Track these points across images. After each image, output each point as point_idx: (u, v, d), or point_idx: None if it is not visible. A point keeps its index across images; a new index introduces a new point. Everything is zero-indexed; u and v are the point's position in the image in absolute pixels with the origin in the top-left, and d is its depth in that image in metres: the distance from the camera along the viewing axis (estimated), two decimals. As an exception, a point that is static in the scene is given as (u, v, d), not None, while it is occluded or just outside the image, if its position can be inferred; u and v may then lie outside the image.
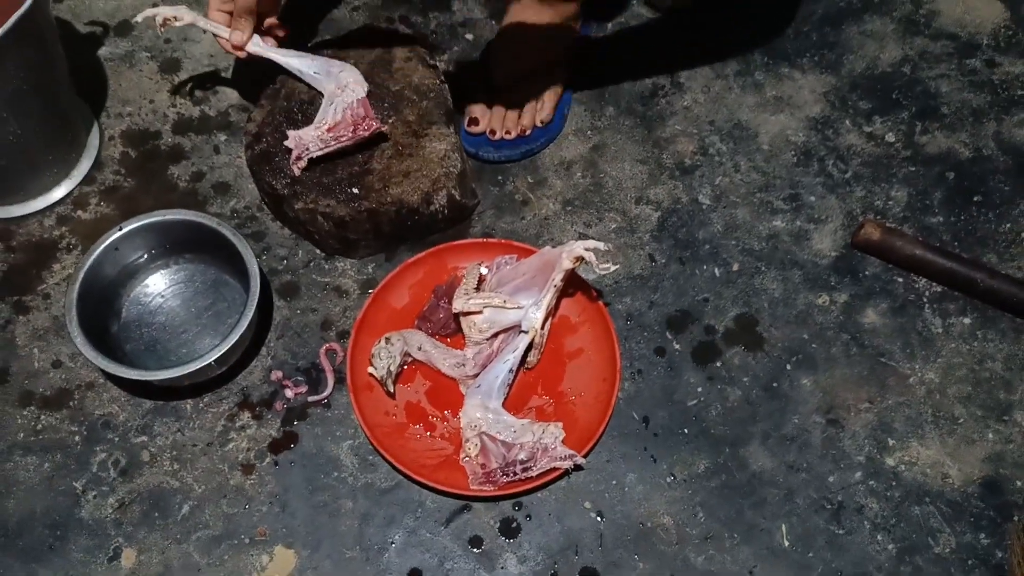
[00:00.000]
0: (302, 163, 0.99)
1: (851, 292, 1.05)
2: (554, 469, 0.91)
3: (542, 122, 1.13)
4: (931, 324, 1.03)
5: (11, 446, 0.97)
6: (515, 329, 0.97)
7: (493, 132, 1.12)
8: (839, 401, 0.99)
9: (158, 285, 1.03)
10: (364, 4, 1.27)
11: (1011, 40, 1.23)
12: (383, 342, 0.96)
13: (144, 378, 0.91)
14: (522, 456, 0.91)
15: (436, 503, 0.94)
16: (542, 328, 0.96)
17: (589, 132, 1.16)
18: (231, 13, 1.01)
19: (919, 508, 0.93)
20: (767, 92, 1.19)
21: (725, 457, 0.96)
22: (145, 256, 1.02)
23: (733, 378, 1.00)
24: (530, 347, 0.97)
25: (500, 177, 1.13)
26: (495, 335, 0.97)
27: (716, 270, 1.07)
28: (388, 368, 0.95)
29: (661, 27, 1.25)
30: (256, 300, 0.93)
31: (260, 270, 0.96)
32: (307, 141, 0.99)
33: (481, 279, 1.00)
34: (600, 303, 0.99)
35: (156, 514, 0.93)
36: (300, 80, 1.05)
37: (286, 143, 1.00)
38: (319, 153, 0.99)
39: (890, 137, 1.16)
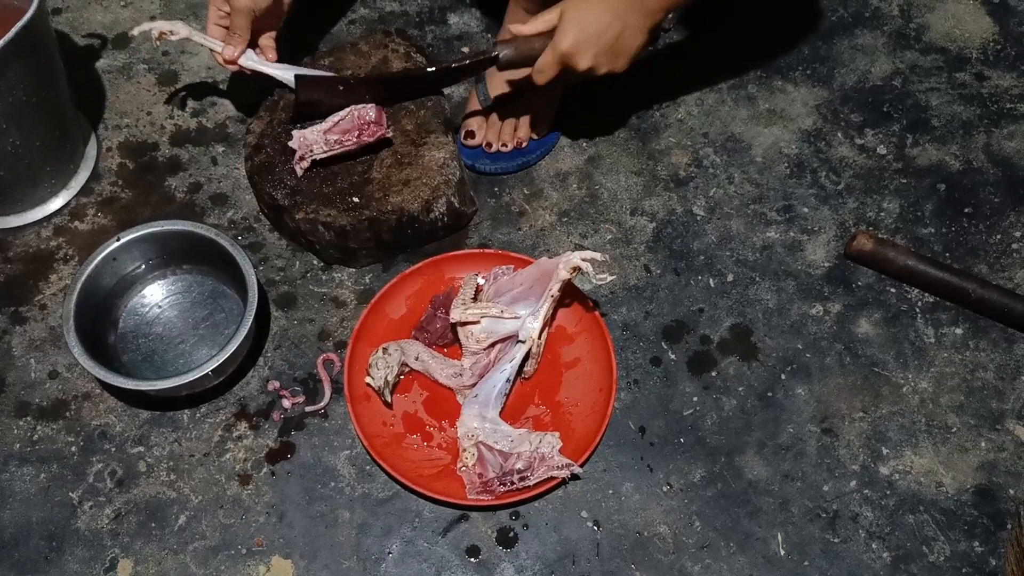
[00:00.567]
0: (305, 163, 1.00)
1: (844, 302, 1.06)
2: (551, 478, 0.91)
3: (538, 135, 1.14)
4: (924, 334, 1.04)
5: (7, 457, 0.97)
6: (512, 339, 0.97)
7: (489, 145, 1.13)
8: (833, 410, 1.00)
9: (155, 296, 1.04)
10: (361, 18, 1.28)
11: (1000, 54, 1.25)
12: (380, 352, 0.97)
13: (141, 388, 0.91)
14: (519, 465, 0.91)
15: (433, 513, 0.94)
16: (539, 338, 0.97)
17: (584, 144, 1.18)
18: (228, 27, 1.02)
19: (913, 516, 0.94)
20: (760, 105, 1.21)
21: (721, 466, 0.97)
22: (143, 266, 1.02)
23: (728, 388, 1.01)
24: (527, 357, 0.97)
25: (496, 189, 1.14)
26: (492, 345, 0.98)
27: (711, 281, 1.08)
28: (385, 378, 0.95)
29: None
30: (254, 310, 0.93)
31: (258, 281, 0.96)
32: (311, 141, 1.00)
33: (478, 289, 1.01)
34: (596, 313, 1.00)
35: (153, 525, 0.93)
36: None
37: (290, 143, 1.00)
38: (323, 155, 0.99)
39: (881, 149, 1.17)
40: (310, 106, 1.03)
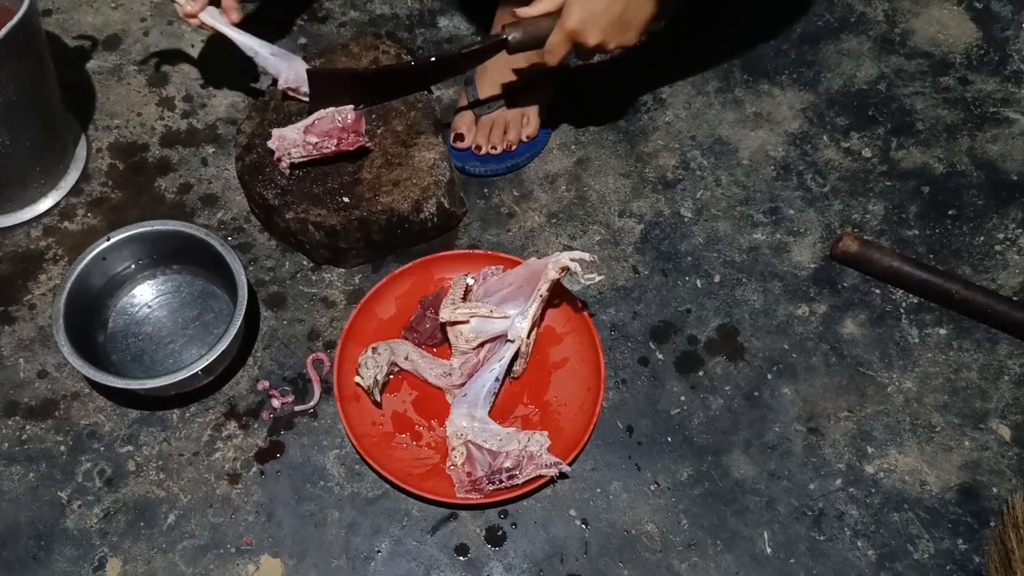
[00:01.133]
0: (283, 164, 1.00)
1: (830, 303, 1.07)
2: (540, 477, 0.92)
3: (527, 137, 1.15)
4: (908, 334, 1.05)
5: (-5, 456, 0.97)
6: (501, 338, 0.98)
7: (479, 147, 1.14)
8: (819, 410, 1.01)
9: (145, 295, 1.04)
10: (351, 20, 1.29)
11: (983, 59, 1.26)
12: (370, 352, 0.97)
13: (130, 387, 0.91)
14: (508, 464, 0.92)
15: (422, 512, 0.95)
16: (528, 337, 0.97)
17: (573, 147, 1.18)
18: None
19: (898, 515, 0.95)
20: (747, 108, 1.22)
21: (708, 465, 0.97)
22: (132, 266, 1.02)
23: (715, 387, 1.02)
24: (516, 356, 0.98)
25: (486, 190, 1.15)
26: (481, 344, 0.98)
27: (698, 281, 1.09)
28: (375, 378, 0.95)
29: (643, 45, 1.27)
30: (244, 309, 0.94)
31: (247, 280, 0.96)
32: (289, 143, 1.00)
33: (468, 289, 1.02)
34: (585, 314, 1.01)
35: (142, 524, 0.93)
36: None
37: (269, 142, 1.01)
38: (300, 159, 1.00)
39: (867, 152, 1.18)
40: (324, 99, 1.04)
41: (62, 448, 0.97)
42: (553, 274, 0.94)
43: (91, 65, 1.24)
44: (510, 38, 0.97)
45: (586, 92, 1.22)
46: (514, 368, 0.99)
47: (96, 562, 0.91)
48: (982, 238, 1.12)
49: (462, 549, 0.93)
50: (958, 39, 1.28)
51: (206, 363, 0.92)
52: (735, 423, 1.00)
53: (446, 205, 1.05)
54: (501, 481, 0.91)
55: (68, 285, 0.96)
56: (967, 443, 0.99)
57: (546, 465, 0.91)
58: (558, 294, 1.02)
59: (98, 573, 0.91)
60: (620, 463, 0.97)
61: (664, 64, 1.25)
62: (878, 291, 1.08)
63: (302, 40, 1.27)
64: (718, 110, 1.22)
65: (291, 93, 1.06)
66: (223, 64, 1.23)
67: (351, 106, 1.03)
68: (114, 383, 0.91)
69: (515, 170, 1.16)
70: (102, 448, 0.97)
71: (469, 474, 0.92)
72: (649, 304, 1.07)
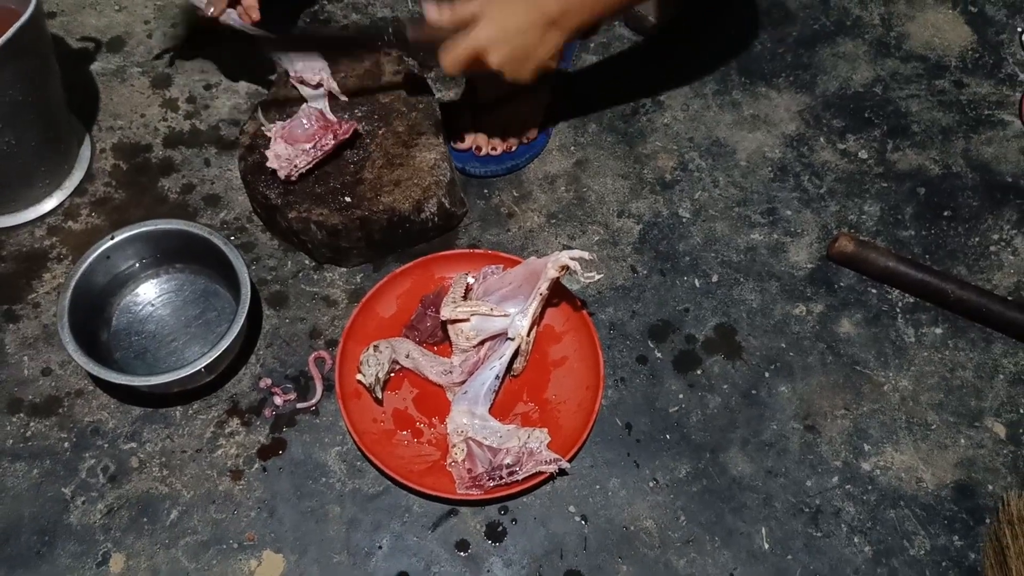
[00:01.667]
0: (293, 177, 1.01)
1: (827, 303, 1.08)
2: (539, 473, 0.93)
3: (527, 138, 1.16)
4: (904, 334, 1.06)
5: (0, 452, 0.97)
6: (501, 337, 0.99)
7: (479, 148, 1.15)
8: (816, 408, 1.02)
9: (148, 294, 1.05)
10: (353, 24, 1.30)
11: (978, 62, 1.28)
12: (371, 350, 0.98)
13: (134, 384, 0.92)
14: (508, 460, 0.92)
15: (423, 508, 0.95)
16: (528, 335, 0.98)
17: (572, 148, 1.20)
18: None
19: (894, 511, 0.96)
20: (744, 110, 1.23)
21: (706, 462, 0.98)
22: (136, 265, 1.03)
23: (713, 386, 1.03)
24: (516, 354, 0.99)
25: (486, 191, 1.16)
26: (482, 343, 0.99)
27: (696, 281, 1.10)
28: (376, 375, 0.96)
29: (642, 48, 1.29)
30: (247, 306, 0.95)
31: (250, 279, 0.97)
32: (284, 158, 1.01)
33: (468, 288, 1.03)
34: (584, 313, 1.02)
35: (145, 520, 0.94)
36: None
37: (268, 164, 1.02)
38: (307, 167, 1.01)
39: (863, 154, 1.20)
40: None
41: (66, 445, 0.98)
42: (553, 272, 0.95)
43: (95, 67, 1.25)
44: (409, 36, 0.97)
45: (585, 94, 1.23)
46: (514, 366, 1.00)
47: (99, 557, 0.92)
48: (977, 239, 1.13)
49: (462, 545, 0.94)
50: (953, 43, 1.30)
51: (209, 360, 0.93)
52: (733, 421, 1.01)
53: (447, 205, 1.06)
54: (501, 477, 0.92)
55: (72, 283, 0.96)
56: (962, 441, 1.00)
57: (546, 462, 0.92)
58: (557, 293, 1.03)
59: (101, 568, 0.92)
60: (619, 460, 0.98)
61: (662, 67, 1.27)
62: (874, 291, 1.09)
63: (304, 42, 1.28)
64: (716, 112, 1.23)
65: (298, 84, 1.08)
66: (226, 66, 1.25)
67: (316, 107, 1.06)
68: (118, 379, 0.92)
69: (515, 171, 1.17)
70: (105, 445, 0.98)
71: (469, 470, 0.93)
72: (647, 303, 1.08)
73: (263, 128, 1.05)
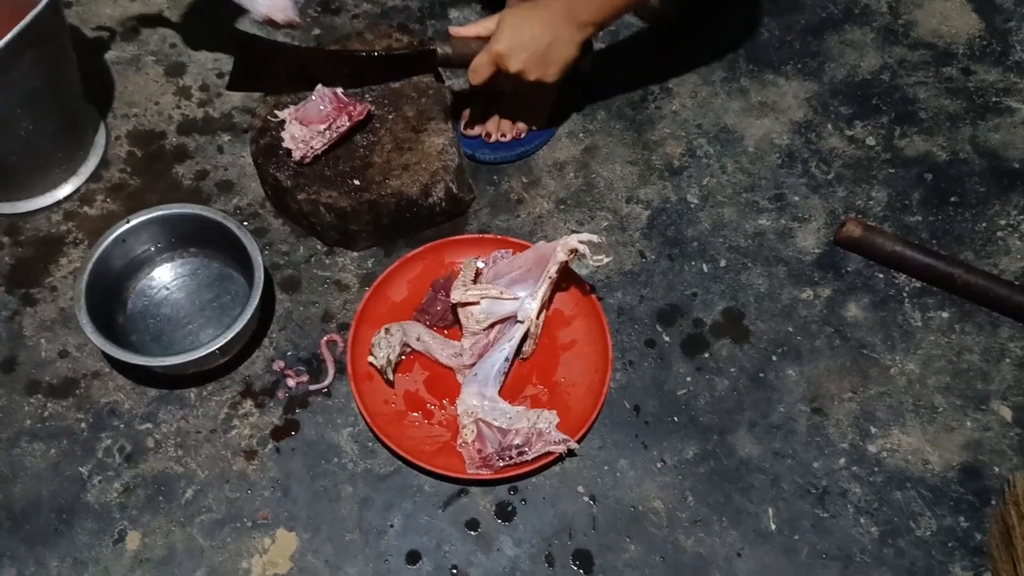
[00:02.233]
0: (308, 159, 1.03)
1: (834, 287, 1.09)
2: (549, 453, 0.94)
3: (537, 126, 1.17)
4: (911, 318, 1.07)
5: (18, 433, 0.99)
6: (511, 320, 1.00)
7: (489, 135, 1.16)
8: (823, 391, 1.02)
9: (164, 278, 1.06)
10: (363, 12, 1.31)
11: (985, 49, 1.28)
12: (383, 332, 0.99)
13: (150, 364, 0.94)
14: (517, 441, 0.93)
15: (434, 488, 0.97)
16: (537, 318, 0.99)
17: (581, 135, 1.21)
18: None
19: (901, 493, 0.97)
20: (752, 97, 1.24)
21: (713, 444, 0.99)
22: (152, 249, 1.05)
23: (721, 369, 1.04)
24: (525, 337, 1.00)
25: (495, 177, 1.17)
26: (492, 325, 1.00)
27: (704, 266, 1.11)
28: (388, 358, 0.98)
29: (651, 36, 1.30)
30: (261, 287, 0.96)
31: (263, 262, 0.98)
32: (305, 138, 1.02)
33: (478, 272, 1.04)
34: (593, 297, 1.03)
35: (160, 498, 0.96)
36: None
37: (284, 144, 1.03)
38: (323, 148, 1.02)
39: (870, 140, 1.20)
40: (248, 71, 1.07)
41: (83, 425, 1.00)
42: (562, 256, 0.96)
43: (110, 55, 1.27)
44: (439, 51, 1.04)
45: (594, 82, 1.24)
46: (524, 349, 1.01)
47: (116, 535, 0.94)
48: (984, 224, 1.14)
49: (473, 524, 0.95)
50: (960, 30, 1.30)
51: (223, 342, 0.94)
52: (740, 403, 1.02)
53: (454, 190, 1.08)
54: (511, 458, 0.93)
55: (89, 266, 0.98)
56: (969, 424, 1.01)
57: (555, 442, 0.93)
58: (566, 278, 1.04)
59: (118, 546, 0.93)
60: (627, 442, 0.99)
61: (671, 54, 1.27)
62: (881, 276, 1.10)
63: (316, 31, 1.29)
64: (724, 99, 1.24)
65: (270, 23, 1.04)
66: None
67: (329, 90, 1.05)
68: (134, 360, 0.93)
69: (524, 157, 1.18)
70: (122, 425, 1.00)
71: (479, 451, 0.94)
72: (656, 288, 1.09)
73: (270, 117, 1.06)
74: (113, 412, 1.00)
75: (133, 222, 1.01)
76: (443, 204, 1.08)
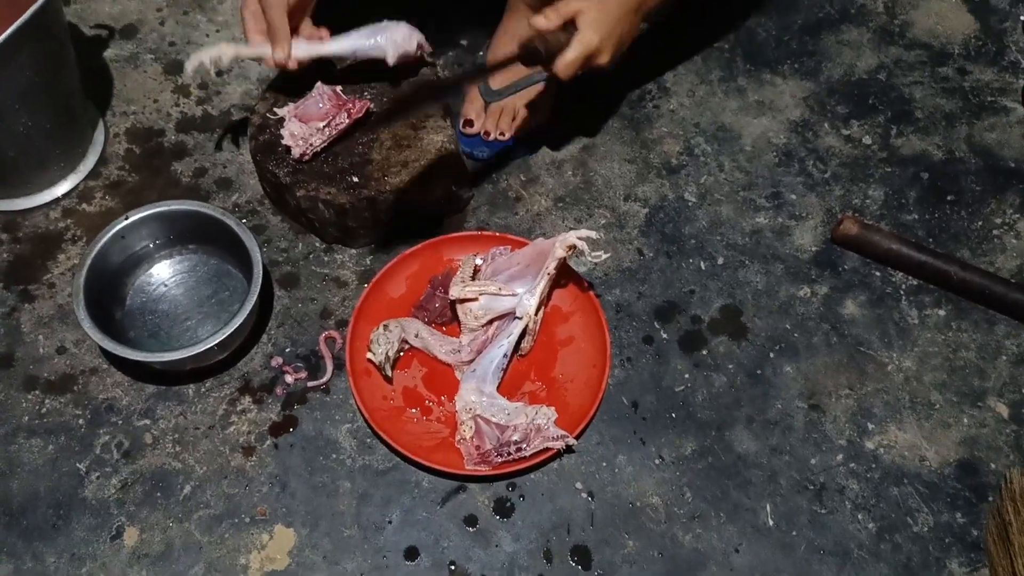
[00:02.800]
0: (308, 156, 1.03)
1: (831, 285, 1.10)
2: (547, 449, 0.94)
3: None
4: (908, 315, 1.08)
5: (16, 428, 0.99)
6: (509, 316, 1.00)
7: (487, 133, 1.17)
8: (820, 387, 1.03)
9: (162, 274, 1.06)
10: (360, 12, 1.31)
11: (980, 49, 1.29)
12: (381, 329, 0.99)
13: (148, 360, 0.94)
14: (516, 437, 0.94)
15: (432, 484, 0.97)
16: (536, 315, 1.00)
17: (579, 133, 1.21)
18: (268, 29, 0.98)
19: (898, 489, 0.97)
20: (750, 97, 1.24)
21: (711, 440, 1.00)
22: (150, 245, 1.05)
23: (718, 365, 1.04)
24: (524, 333, 1.00)
25: (494, 175, 1.17)
26: (490, 322, 1.01)
27: (702, 263, 1.11)
28: (386, 354, 0.98)
29: (648, 35, 1.30)
30: (259, 284, 0.96)
31: (262, 259, 0.99)
32: (304, 135, 1.02)
33: (476, 269, 1.04)
34: (591, 294, 1.03)
35: (158, 494, 0.95)
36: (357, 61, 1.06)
37: (283, 142, 1.03)
38: (323, 145, 1.03)
39: (867, 139, 1.21)
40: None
41: (80, 421, 1.00)
42: (560, 252, 0.96)
43: (108, 53, 1.27)
44: (528, 47, 0.93)
45: (592, 81, 1.24)
46: (522, 345, 1.02)
47: (114, 531, 0.94)
48: (980, 222, 1.14)
49: (471, 520, 0.95)
50: (956, 30, 1.31)
51: (222, 337, 0.94)
52: (738, 400, 1.02)
53: (453, 187, 1.08)
54: (509, 454, 0.93)
55: (88, 262, 0.98)
56: (965, 420, 1.01)
57: (553, 438, 0.94)
58: (565, 274, 1.04)
59: (116, 541, 0.93)
60: (625, 438, 1.00)
61: (668, 53, 1.28)
62: (878, 273, 1.10)
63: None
64: (721, 98, 1.24)
65: (406, 61, 1.05)
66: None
67: (326, 86, 1.06)
68: (132, 356, 0.93)
69: (523, 156, 1.18)
70: (119, 421, 1.00)
71: (478, 447, 0.94)
72: (654, 285, 1.09)
73: (269, 114, 1.06)
74: (111, 408, 1.00)
75: (132, 218, 1.01)
76: (442, 201, 1.08)
